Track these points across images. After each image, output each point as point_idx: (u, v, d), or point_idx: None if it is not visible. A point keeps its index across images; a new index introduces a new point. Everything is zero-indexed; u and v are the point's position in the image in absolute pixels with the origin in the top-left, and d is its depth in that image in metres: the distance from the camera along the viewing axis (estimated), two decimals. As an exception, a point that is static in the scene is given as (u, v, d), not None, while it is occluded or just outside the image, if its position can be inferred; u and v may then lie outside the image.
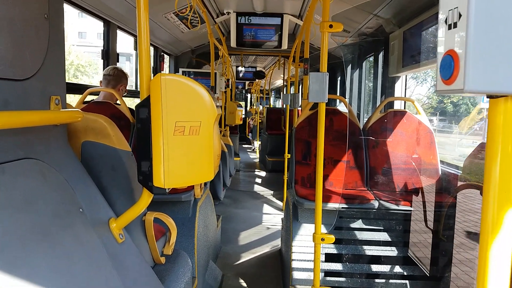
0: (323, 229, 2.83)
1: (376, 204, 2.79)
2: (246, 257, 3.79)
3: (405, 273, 2.77)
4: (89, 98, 3.15)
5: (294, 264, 2.77)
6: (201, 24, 4.91)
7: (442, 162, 3.15)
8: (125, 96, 3.19)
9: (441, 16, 0.67)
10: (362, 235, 2.90)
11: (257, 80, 12.44)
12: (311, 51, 4.38)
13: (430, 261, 2.80)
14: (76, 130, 1.33)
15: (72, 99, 3.03)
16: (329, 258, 2.81)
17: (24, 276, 0.82)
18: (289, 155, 4.53)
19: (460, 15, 0.61)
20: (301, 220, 2.90)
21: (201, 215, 2.84)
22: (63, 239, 0.98)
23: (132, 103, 5.44)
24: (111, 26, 3.87)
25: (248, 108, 18.62)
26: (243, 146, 13.98)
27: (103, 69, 3.99)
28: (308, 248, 2.80)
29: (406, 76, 4.00)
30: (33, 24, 1.01)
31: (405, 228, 2.93)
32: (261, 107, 14.72)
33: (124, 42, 4.82)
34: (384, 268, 2.79)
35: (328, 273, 2.78)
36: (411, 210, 2.81)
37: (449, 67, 0.63)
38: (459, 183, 2.74)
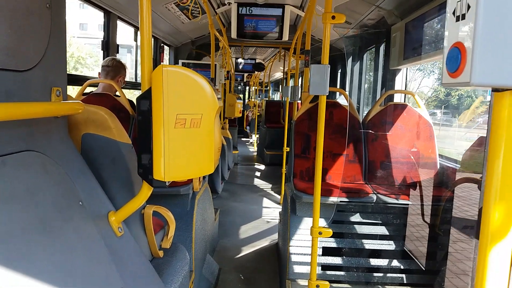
0: (321, 223, 2.83)
1: (374, 198, 2.79)
2: (243, 250, 3.80)
3: (401, 267, 2.78)
4: (88, 90, 3.13)
5: (292, 258, 2.78)
6: (201, 14, 4.88)
7: (441, 156, 3.15)
8: (124, 88, 3.18)
9: (449, 8, 0.66)
10: (359, 229, 2.90)
11: (256, 73, 12.39)
12: (311, 43, 4.35)
13: (426, 255, 2.81)
14: (77, 122, 1.32)
15: (71, 91, 3.01)
16: (326, 251, 2.82)
17: (24, 268, 0.81)
18: (288, 148, 4.53)
19: (469, 7, 0.60)
20: (299, 213, 2.90)
21: (199, 209, 2.84)
22: (63, 232, 0.97)
23: (132, 96, 5.42)
24: (111, 17, 3.84)
25: (246, 101, 18.58)
26: (242, 139, 13.96)
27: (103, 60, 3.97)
28: (306, 241, 2.80)
29: (407, 69, 3.98)
30: (35, 14, 1.00)
31: (402, 222, 2.94)
32: (259, 99, 14.69)
33: (125, 34, 4.79)
34: (381, 262, 2.80)
35: (325, 267, 2.79)
36: (408, 204, 2.81)
37: (456, 60, 0.62)
38: (457, 177, 2.74)
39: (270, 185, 6.64)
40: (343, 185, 3.01)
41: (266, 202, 5.64)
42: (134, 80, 5.01)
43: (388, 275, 2.77)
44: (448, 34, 0.66)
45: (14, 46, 0.92)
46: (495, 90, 0.64)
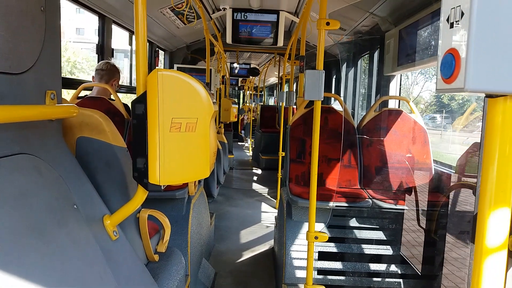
0: (317, 227, 2.84)
1: (369, 202, 2.80)
2: (239, 255, 3.79)
3: (397, 272, 2.79)
4: (83, 93, 3.12)
5: (287, 262, 2.78)
6: (197, 19, 4.88)
7: (435, 161, 3.17)
8: (119, 92, 3.17)
9: (443, 14, 0.67)
10: (355, 234, 2.91)
11: (250, 77, 12.42)
12: (306, 49, 4.37)
13: (422, 259, 2.81)
14: (71, 125, 1.32)
15: (66, 95, 3.00)
16: (323, 256, 2.82)
17: (17, 271, 0.81)
18: (284, 153, 4.54)
19: (462, 14, 0.61)
20: (295, 218, 2.90)
21: (195, 213, 2.84)
22: (57, 236, 0.97)
23: (129, 100, 5.42)
24: (106, 21, 3.84)
25: (240, 105, 18.59)
26: (238, 143, 13.96)
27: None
28: (302, 246, 2.80)
29: (401, 75, 4.01)
30: (29, 16, 0.99)
31: (398, 226, 2.95)
32: (254, 104, 14.71)
33: (122, 39, 4.78)
34: (376, 266, 2.80)
35: (321, 271, 2.79)
36: (404, 209, 2.82)
37: (450, 66, 0.63)
38: (452, 183, 2.76)
39: (266, 190, 6.64)
40: (338, 189, 3.02)
41: (262, 206, 5.63)
42: (129, 84, 5.00)
43: (384, 279, 2.77)
44: (442, 41, 0.67)
45: (8, 48, 0.92)
46: (488, 96, 0.65)
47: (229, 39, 4.76)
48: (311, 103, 3.11)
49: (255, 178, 7.77)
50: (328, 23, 1.99)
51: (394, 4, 3.38)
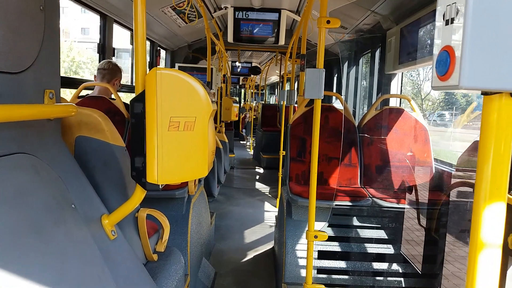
0: (317, 226, 2.83)
1: (370, 201, 2.80)
2: (239, 254, 3.79)
3: (397, 270, 2.78)
4: (84, 93, 3.13)
5: (287, 261, 2.78)
6: (198, 18, 4.88)
7: (436, 160, 3.16)
8: (120, 91, 3.17)
9: (439, 12, 0.67)
10: (355, 233, 2.91)
11: (252, 76, 12.42)
12: (308, 47, 4.36)
13: (422, 258, 2.81)
14: (70, 124, 1.32)
15: (67, 95, 3.01)
16: (322, 255, 2.82)
17: (15, 271, 0.81)
18: (284, 152, 4.54)
19: (458, 11, 0.61)
20: (295, 217, 2.90)
21: (195, 212, 2.84)
22: (55, 235, 0.97)
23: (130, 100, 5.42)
24: (108, 20, 3.85)
25: (241, 104, 18.60)
26: (240, 142, 13.96)
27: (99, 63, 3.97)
28: (301, 245, 2.80)
29: (402, 73, 4.00)
30: (28, 16, 0.99)
31: (398, 225, 2.94)
32: (255, 103, 14.71)
33: (127, 38, 4.79)
34: (377, 265, 2.80)
35: (321, 270, 2.79)
36: (404, 208, 2.82)
37: (445, 63, 0.63)
38: (453, 181, 2.75)
39: (267, 189, 6.64)
40: (339, 188, 3.02)
41: (262, 205, 5.63)
42: (131, 84, 5.00)
43: (384, 278, 2.77)
44: (437, 38, 0.67)
45: (7, 48, 0.92)
46: (484, 93, 0.64)
47: (230, 38, 4.75)
48: (311, 101, 3.11)
49: (256, 177, 7.77)
50: (328, 22, 1.98)
51: (396, 2, 3.37)
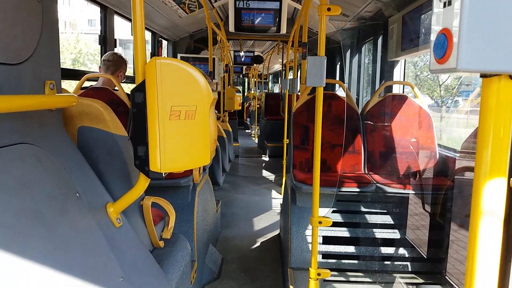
0: (321, 213, 2.85)
1: (373, 187, 2.80)
2: (245, 241, 3.82)
3: (402, 255, 2.80)
4: (89, 84, 3.14)
5: (293, 247, 2.80)
6: (199, 8, 4.86)
7: (439, 145, 3.16)
8: (124, 82, 3.17)
9: None
10: (359, 218, 2.92)
11: (255, 65, 12.36)
12: (310, 36, 4.33)
13: (427, 243, 2.82)
14: (72, 115, 1.33)
15: (74, 87, 3.01)
16: (327, 240, 2.84)
17: (20, 260, 0.82)
18: (288, 140, 4.54)
19: (454, -7, 0.61)
20: (299, 203, 2.91)
21: (200, 200, 2.86)
22: (59, 224, 0.98)
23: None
24: (108, 11, 3.84)
25: (245, 93, 18.55)
26: (246, 131, 13.97)
27: (101, 55, 3.97)
28: (306, 231, 2.82)
29: (405, 60, 3.97)
30: (26, 8, 1.00)
31: (403, 210, 2.95)
32: (258, 92, 14.66)
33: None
34: (381, 250, 2.82)
35: (325, 255, 2.81)
36: (408, 193, 2.82)
37: (443, 46, 0.62)
38: (457, 166, 2.75)
39: (272, 177, 6.67)
40: (342, 175, 3.03)
41: (268, 193, 5.66)
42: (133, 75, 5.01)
43: (389, 262, 2.79)
44: (435, 21, 0.66)
45: (5, 39, 0.92)
46: (483, 75, 0.64)
47: (232, 28, 4.72)
48: (314, 89, 3.10)
49: (261, 165, 7.79)
50: (329, 9, 1.97)
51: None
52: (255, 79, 15.94)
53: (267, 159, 8.39)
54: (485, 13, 0.59)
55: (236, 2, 4.61)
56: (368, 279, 2.72)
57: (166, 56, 6.49)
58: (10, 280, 0.79)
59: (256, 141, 10.81)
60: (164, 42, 6.31)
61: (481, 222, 0.68)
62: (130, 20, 4.44)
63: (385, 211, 2.93)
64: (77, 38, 28.01)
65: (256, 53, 10.32)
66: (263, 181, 6.40)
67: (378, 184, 2.83)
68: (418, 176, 3.01)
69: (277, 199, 5.34)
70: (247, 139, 11.83)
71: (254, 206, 4.99)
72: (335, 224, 2.84)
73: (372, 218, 2.93)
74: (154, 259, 1.44)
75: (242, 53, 10.17)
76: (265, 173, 7.02)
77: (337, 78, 6.59)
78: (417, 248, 2.85)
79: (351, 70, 5.48)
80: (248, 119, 15.07)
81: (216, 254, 3.24)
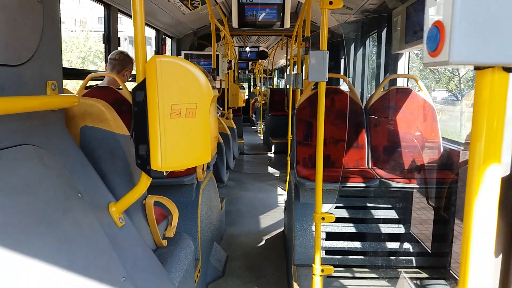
0: (325, 208, 2.85)
1: (377, 182, 2.80)
2: (250, 238, 3.83)
3: (406, 250, 2.79)
4: (94, 83, 3.15)
5: (297, 244, 2.80)
6: (202, 5, 4.85)
7: (443, 138, 3.14)
8: (129, 81, 3.18)
9: None
10: (363, 214, 2.92)
11: (260, 60, 12.34)
12: (314, 30, 4.32)
13: (432, 237, 2.81)
14: (74, 115, 1.34)
15: (76, 86, 3.03)
16: (331, 236, 2.84)
17: (24, 260, 0.83)
18: (292, 136, 4.54)
19: (446, -15, 0.60)
20: (303, 200, 2.91)
21: (204, 198, 2.87)
22: (62, 224, 0.99)
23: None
24: (112, 10, 3.85)
25: (251, 89, 18.53)
26: (252, 127, 13.97)
27: (105, 54, 3.99)
28: (310, 227, 2.82)
29: (409, 53, 3.94)
30: (27, 8, 1.00)
31: (407, 205, 2.94)
32: (264, 87, 14.64)
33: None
34: (386, 245, 2.81)
35: (329, 252, 2.81)
36: (412, 188, 2.81)
37: (435, 39, 0.62)
38: (461, 160, 2.73)
39: (277, 173, 6.66)
40: (346, 170, 3.02)
41: (273, 190, 5.66)
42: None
43: (393, 257, 2.79)
44: (427, 14, 0.66)
45: (6, 41, 0.93)
46: (476, 68, 0.63)
47: (235, 23, 4.71)
48: (317, 84, 3.09)
49: (266, 162, 7.79)
50: (331, 2, 1.95)
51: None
52: (260, 75, 15.92)
53: (272, 155, 8.39)
54: (477, 5, 0.58)
55: (239, -2, 4.60)
56: (372, 275, 2.72)
57: (170, 54, 6.50)
58: (14, 279, 0.80)
59: (262, 138, 10.80)
60: (168, 40, 6.31)
61: (475, 216, 0.68)
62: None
63: (389, 206, 2.92)
64: (87, 36, 28.13)
65: (261, 49, 10.29)
66: (268, 178, 6.40)
67: (381, 179, 2.82)
68: (422, 170, 3.00)
69: (282, 195, 5.34)
70: (252, 135, 11.82)
71: (258, 203, 5.00)
72: (339, 220, 2.83)
73: (376, 213, 2.92)
74: (157, 258, 1.45)
75: (248, 49, 10.16)
76: (270, 169, 7.02)
77: (342, 72, 6.56)
78: (422, 243, 2.84)
79: (355, 64, 5.45)
80: (253, 115, 15.06)
81: (221, 252, 3.25)
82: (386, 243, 2.82)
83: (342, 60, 6.62)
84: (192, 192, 2.73)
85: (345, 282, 2.63)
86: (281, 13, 4.65)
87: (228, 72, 6.30)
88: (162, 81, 1.08)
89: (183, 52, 6.17)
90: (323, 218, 2.08)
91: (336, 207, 2.89)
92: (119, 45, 4.03)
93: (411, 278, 2.67)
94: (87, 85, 3.01)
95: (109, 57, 3.03)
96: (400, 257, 2.79)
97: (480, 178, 0.66)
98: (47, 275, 0.87)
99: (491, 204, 0.67)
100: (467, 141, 2.53)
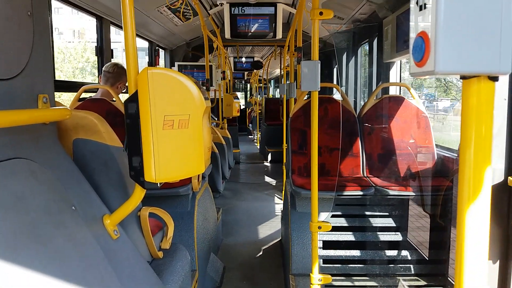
0: (322, 217, 2.84)
1: (372, 190, 2.80)
2: (247, 248, 3.81)
3: (403, 257, 2.79)
4: (88, 95, 3.15)
5: (294, 253, 2.79)
6: (194, 16, 4.88)
7: (437, 146, 3.16)
8: (123, 93, 3.18)
9: None
10: (360, 222, 2.91)
11: (255, 70, 12.41)
12: (306, 40, 4.34)
13: (428, 244, 2.81)
14: (67, 128, 1.33)
15: (70, 97, 3.03)
16: (328, 245, 2.83)
17: (16, 275, 0.82)
18: (287, 145, 4.55)
19: (430, -5, 0.61)
20: (299, 209, 2.91)
21: (200, 208, 2.86)
22: (55, 238, 0.98)
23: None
24: (104, 22, 3.86)
25: (248, 99, 18.59)
26: (249, 137, 13.99)
27: (98, 66, 3.99)
28: (307, 236, 2.82)
29: (400, 61, 3.98)
30: (16, 22, 1.01)
31: (403, 213, 2.94)
32: (259, 97, 14.70)
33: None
34: (383, 253, 2.81)
35: (326, 261, 2.80)
36: (407, 195, 2.82)
37: (421, 49, 0.63)
38: (455, 166, 2.74)
39: (273, 182, 6.66)
40: (341, 179, 3.02)
41: (269, 199, 5.65)
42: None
43: (390, 265, 2.78)
44: (413, 24, 0.67)
45: None
46: (463, 77, 0.64)
47: (228, 34, 4.75)
48: (310, 94, 3.11)
49: (262, 171, 7.79)
50: (321, 13, 1.98)
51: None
52: (256, 85, 15.99)
53: (268, 164, 8.40)
54: (460, 15, 0.59)
55: (231, 9, 4.64)
56: (370, 283, 2.71)
57: (164, 65, 6.52)
58: None
59: (258, 147, 10.82)
60: (161, 51, 6.34)
61: (467, 223, 0.68)
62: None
63: (385, 213, 2.93)
64: (85, 46, 28.16)
65: (256, 59, 10.36)
66: (264, 187, 6.39)
67: (377, 187, 2.82)
68: (417, 177, 3.01)
69: (278, 204, 5.33)
70: (249, 145, 11.83)
71: (255, 212, 4.99)
72: (335, 229, 2.83)
73: (373, 221, 2.92)
74: (153, 270, 1.44)
75: (243, 59, 10.21)
76: (266, 178, 7.02)
77: (335, 82, 6.60)
78: (419, 250, 2.84)
79: (348, 73, 5.49)
80: (250, 124, 15.10)
81: (218, 263, 3.23)
82: (384, 251, 2.81)
83: (335, 70, 6.67)
84: (187, 202, 2.72)
85: None
86: (273, 24, 4.69)
87: (221, 83, 6.32)
88: (154, 92, 1.08)
89: (176, 63, 6.19)
90: (319, 227, 2.08)
91: (333, 216, 2.89)
92: (112, 57, 4.04)
93: (409, 286, 2.67)
94: (81, 97, 3.01)
95: (103, 69, 3.04)
96: (398, 265, 2.78)
97: (471, 185, 0.66)
98: None
99: (483, 210, 0.67)
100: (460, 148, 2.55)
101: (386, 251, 2.82)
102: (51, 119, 1.14)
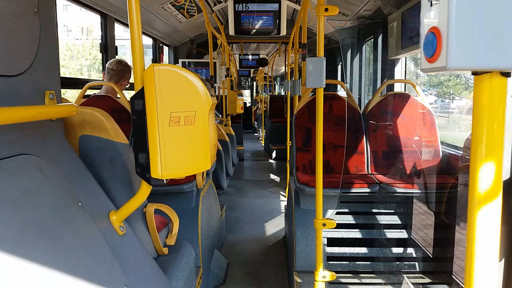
0: (326, 214, 2.84)
1: (377, 187, 2.80)
2: (251, 245, 3.82)
3: (408, 255, 2.78)
4: (92, 92, 3.15)
5: (298, 250, 2.79)
6: (198, 13, 4.88)
7: (442, 143, 3.14)
8: (127, 89, 3.18)
9: None
10: (364, 219, 2.91)
11: (261, 68, 12.40)
12: (310, 36, 4.34)
13: (433, 242, 2.80)
14: (73, 124, 1.34)
15: (75, 94, 3.04)
16: (332, 242, 2.83)
17: (24, 271, 0.83)
18: (291, 142, 4.54)
19: (442, -11, 0.60)
20: (303, 206, 2.91)
21: (204, 205, 2.86)
22: (62, 233, 0.99)
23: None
24: (108, 19, 3.86)
25: (253, 96, 18.59)
26: (255, 134, 13.99)
27: (102, 62, 3.99)
28: (311, 233, 2.81)
29: (405, 58, 3.96)
30: (22, 19, 1.01)
31: (408, 210, 2.93)
32: (265, 94, 14.70)
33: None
34: (387, 250, 2.81)
35: (331, 257, 2.80)
36: (412, 192, 2.81)
37: (432, 45, 0.62)
38: (460, 164, 2.73)
39: (277, 179, 6.66)
40: (346, 176, 3.02)
41: (272, 196, 5.65)
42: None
43: (395, 263, 2.78)
44: (423, 19, 0.66)
45: (3, 51, 0.93)
46: (474, 73, 0.64)
47: (232, 31, 4.74)
48: (315, 91, 3.10)
49: (266, 168, 7.79)
50: (326, 9, 1.97)
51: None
52: (262, 82, 15.98)
53: (273, 162, 8.40)
54: (472, 10, 0.58)
55: (236, 5, 4.63)
56: (375, 280, 2.70)
57: (168, 62, 6.52)
58: None
59: (263, 144, 10.82)
60: (166, 48, 6.33)
61: (478, 220, 0.67)
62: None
63: (390, 211, 2.92)
64: (92, 43, 28.21)
65: (261, 56, 10.34)
66: (268, 184, 6.39)
67: (381, 184, 2.82)
68: (422, 174, 3.00)
69: (282, 201, 5.34)
70: (254, 142, 11.84)
71: (259, 209, 4.99)
72: (340, 226, 2.83)
73: (377, 219, 2.92)
74: (158, 266, 1.44)
75: (250, 56, 10.20)
76: (270, 176, 7.02)
77: (339, 78, 6.58)
78: (423, 248, 2.83)
79: (352, 69, 5.48)
80: (255, 122, 15.11)
81: (222, 259, 3.24)
82: (388, 248, 2.81)
83: (339, 66, 6.65)
84: (192, 199, 2.73)
85: None
86: (277, 20, 4.68)
87: (225, 80, 6.32)
88: (161, 89, 1.08)
89: (180, 60, 6.19)
90: (324, 224, 2.07)
91: (337, 213, 2.88)
92: (116, 54, 4.04)
93: (414, 283, 2.66)
94: (85, 94, 3.01)
95: (106, 66, 3.03)
96: (402, 262, 2.78)
97: (483, 182, 0.66)
98: (49, 285, 0.87)
99: (494, 207, 0.67)
100: (465, 145, 2.54)
101: (391, 248, 2.82)
102: (57, 115, 1.14)
